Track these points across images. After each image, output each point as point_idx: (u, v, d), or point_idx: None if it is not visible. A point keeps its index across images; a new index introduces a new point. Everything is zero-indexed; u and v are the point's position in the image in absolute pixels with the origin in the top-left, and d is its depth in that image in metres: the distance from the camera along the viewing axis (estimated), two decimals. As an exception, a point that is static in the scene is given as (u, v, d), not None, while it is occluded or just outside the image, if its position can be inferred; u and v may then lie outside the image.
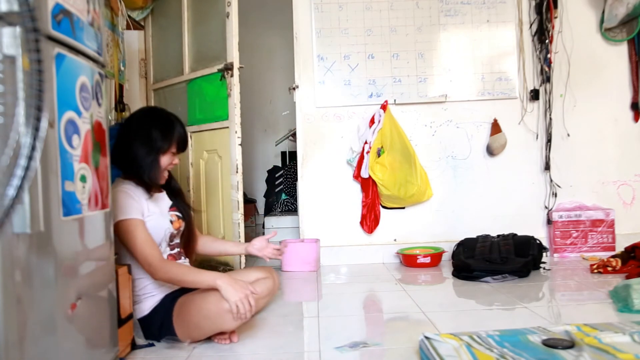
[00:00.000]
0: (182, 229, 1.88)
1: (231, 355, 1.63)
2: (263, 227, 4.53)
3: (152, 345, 1.73)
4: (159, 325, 1.72)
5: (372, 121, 3.12)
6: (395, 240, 3.20)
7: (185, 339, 1.69)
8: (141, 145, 1.73)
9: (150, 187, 1.77)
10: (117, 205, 1.64)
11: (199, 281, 1.65)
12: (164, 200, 1.86)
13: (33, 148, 0.97)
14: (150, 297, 1.75)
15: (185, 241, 1.91)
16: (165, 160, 1.77)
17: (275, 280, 2.05)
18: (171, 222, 1.82)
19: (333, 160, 3.21)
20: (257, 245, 2.05)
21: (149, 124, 1.76)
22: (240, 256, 2.59)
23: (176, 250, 1.86)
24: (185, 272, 1.67)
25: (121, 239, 1.66)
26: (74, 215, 1.20)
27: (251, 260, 3.30)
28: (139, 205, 1.70)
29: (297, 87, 3.21)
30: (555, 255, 3.12)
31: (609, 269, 2.56)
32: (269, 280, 1.99)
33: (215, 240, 2.13)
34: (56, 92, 1.14)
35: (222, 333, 1.71)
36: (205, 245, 2.06)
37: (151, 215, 1.74)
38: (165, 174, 1.82)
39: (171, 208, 1.86)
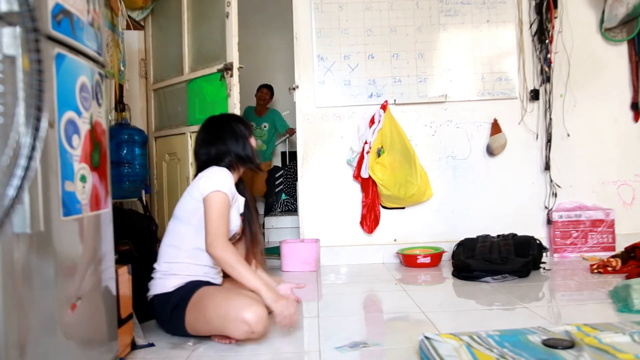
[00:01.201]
0: (237, 236, 1.99)
1: (232, 355, 1.63)
2: (263, 227, 4.54)
3: (152, 345, 1.73)
4: (174, 305, 1.74)
5: (372, 121, 3.12)
6: (395, 240, 3.20)
7: (190, 328, 1.72)
8: (235, 140, 1.95)
9: (255, 164, 2.00)
10: (217, 177, 1.82)
11: (246, 276, 1.72)
12: (241, 203, 2.01)
13: (33, 148, 0.96)
14: (179, 277, 1.79)
15: (247, 250, 2.02)
16: (252, 141, 2.01)
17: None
18: (237, 225, 1.94)
19: (333, 160, 3.21)
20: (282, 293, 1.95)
21: (231, 123, 2.00)
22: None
23: None
24: (239, 262, 1.74)
25: (206, 207, 1.78)
26: (74, 216, 1.20)
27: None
28: (234, 190, 1.88)
29: (297, 87, 3.21)
30: (555, 255, 3.12)
31: (609, 269, 2.56)
32: None
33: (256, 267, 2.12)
34: (56, 92, 1.14)
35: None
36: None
37: (232, 207, 1.87)
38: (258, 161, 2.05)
39: (241, 216, 1.99)
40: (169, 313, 1.75)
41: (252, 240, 2.04)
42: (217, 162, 1.90)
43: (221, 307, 1.66)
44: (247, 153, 1.96)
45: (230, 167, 1.91)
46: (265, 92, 5.01)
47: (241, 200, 2.00)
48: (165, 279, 1.80)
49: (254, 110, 5.05)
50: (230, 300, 1.67)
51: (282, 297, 1.73)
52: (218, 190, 1.77)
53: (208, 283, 1.82)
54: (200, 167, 1.93)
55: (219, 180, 1.80)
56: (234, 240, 1.99)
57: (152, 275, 1.84)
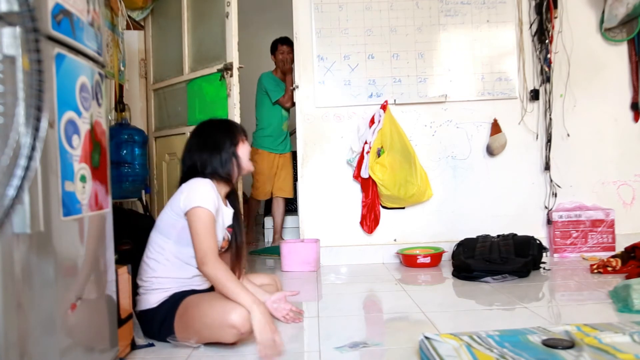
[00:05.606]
0: (223, 250, 1.91)
1: (232, 355, 1.63)
2: (263, 227, 4.54)
3: (152, 345, 1.73)
4: (161, 321, 1.72)
5: (372, 121, 3.12)
6: (395, 240, 3.20)
7: (184, 340, 1.70)
8: (217, 153, 1.84)
9: (230, 178, 1.87)
10: (199, 193, 1.73)
11: (237, 294, 1.63)
12: (228, 216, 1.91)
13: (33, 148, 0.96)
14: (162, 290, 1.75)
15: (232, 263, 1.93)
16: (242, 150, 1.88)
17: (278, 287, 2.16)
18: (223, 238, 1.88)
19: (333, 160, 3.21)
20: (275, 306, 1.92)
21: (219, 133, 1.88)
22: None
23: None
24: (230, 279, 1.66)
25: (190, 223, 1.71)
26: (74, 216, 1.20)
27: (256, 266, 3.31)
28: (217, 203, 1.78)
29: (297, 87, 3.21)
30: (555, 255, 3.12)
31: (609, 269, 2.56)
32: (272, 287, 2.11)
33: (245, 278, 2.06)
34: (56, 92, 1.14)
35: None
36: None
37: (217, 222, 1.79)
38: (250, 164, 1.94)
39: (228, 228, 1.92)
40: (158, 329, 1.73)
41: (236, 254, 1.95)
42: (201, 171, 1.82)
43: (207, 315, 1.63)
44: (227, 171, 1.84)
45: (213, 178, 1.82)
46: (287, 50, 3.72)
47: (228, 212, 1.91)
48: (149, 294, 1.75)
49: (274, 75, 3.84)
50: (214, 307, 1.63)
51: (271, 327, 1.58)
52: (200, 207, 1.70)
53: (193, 291, 1.77)
54: (185, 173, 1.86)
55: (201, 196, 1.72)
56: (220, 252, 1.90)
57: (137, 291, 1.78)
